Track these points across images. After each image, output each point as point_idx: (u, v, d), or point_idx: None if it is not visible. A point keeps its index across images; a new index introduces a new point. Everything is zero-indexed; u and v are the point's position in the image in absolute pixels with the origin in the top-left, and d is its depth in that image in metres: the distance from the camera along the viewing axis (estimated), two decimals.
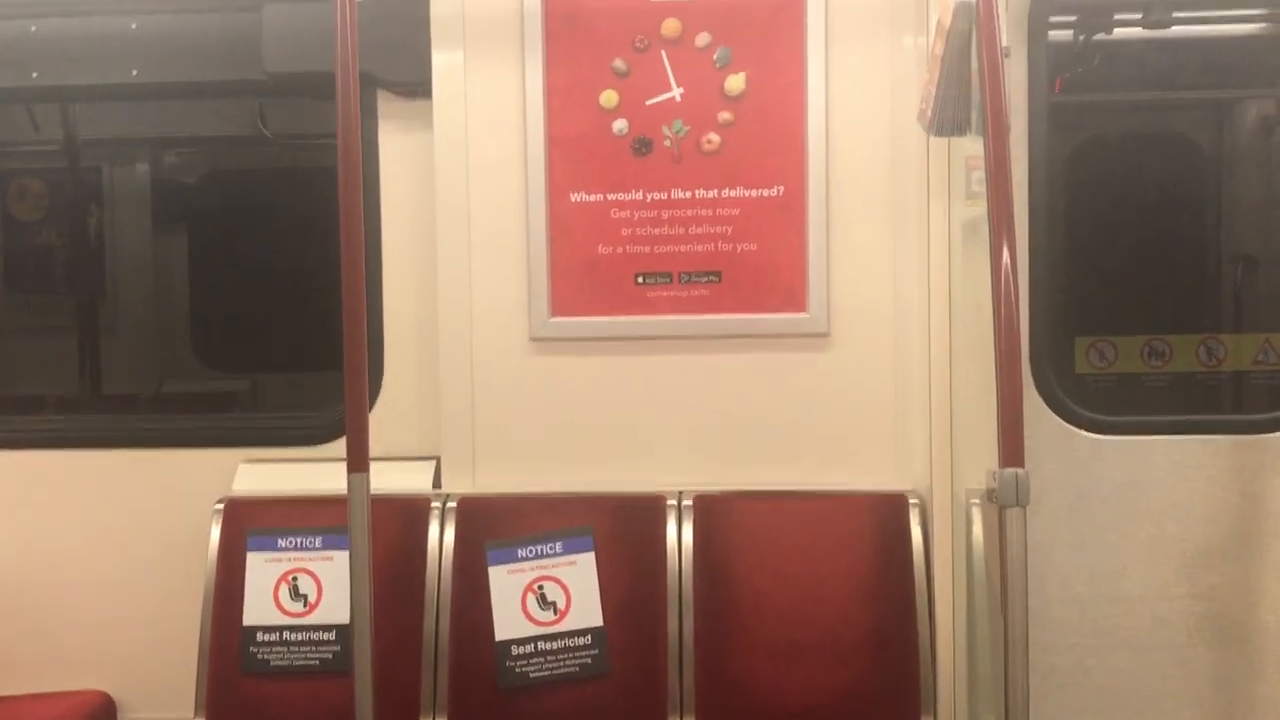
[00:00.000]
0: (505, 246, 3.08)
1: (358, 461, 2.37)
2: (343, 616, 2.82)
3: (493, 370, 3.08)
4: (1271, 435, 3.00)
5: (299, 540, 2.98)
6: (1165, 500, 2.99)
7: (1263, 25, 3.46)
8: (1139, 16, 3.49)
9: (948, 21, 2.50)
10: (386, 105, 3.14)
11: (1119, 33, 3.55)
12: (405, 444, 3.17)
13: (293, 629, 2.95)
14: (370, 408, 3.10)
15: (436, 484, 3.11)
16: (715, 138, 3.02)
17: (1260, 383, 3.26)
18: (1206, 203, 3.52)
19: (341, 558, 2.90)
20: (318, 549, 2.98)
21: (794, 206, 3.01)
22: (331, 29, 2.35)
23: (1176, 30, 3.51)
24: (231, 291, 4.49)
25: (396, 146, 3.15)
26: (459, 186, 3.06)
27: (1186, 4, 3.46)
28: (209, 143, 4.44)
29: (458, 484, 3.09)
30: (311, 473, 3.14)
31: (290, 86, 3.20)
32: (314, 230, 3.29)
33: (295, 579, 2.97)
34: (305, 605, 2.96)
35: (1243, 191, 3.47)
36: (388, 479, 2.92)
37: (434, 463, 3.14)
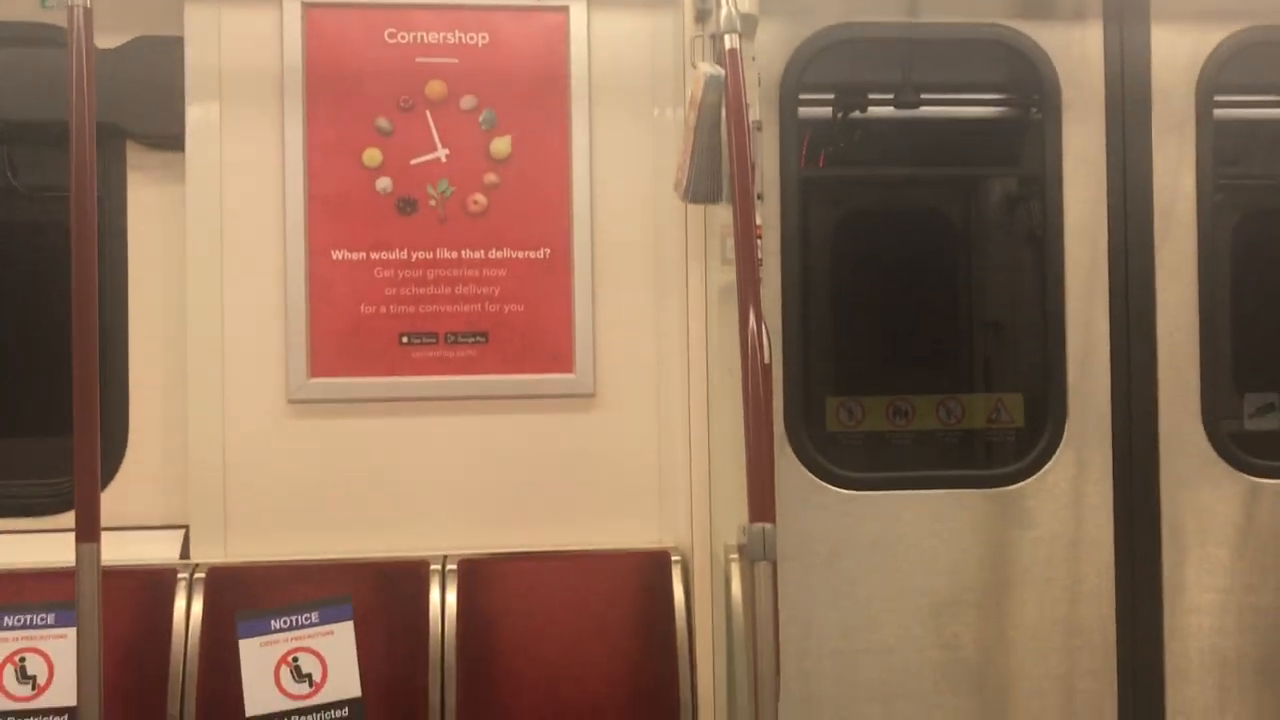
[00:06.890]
0: (262, 305, 2.97)
1: (88, 531, 2.23)
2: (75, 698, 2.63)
3: (247, 433, 2.96)
4: (1010, 488, 3.21)
5: (27, 617, 2.76)
6: (912, 553, 3.14)
7: (1003, 109, 3.73)
8: (890, 97, 3.71)
9: (699, 94, 2.59)
10: (136, 157, 3.01)
11: (873, 111, 3.75)
12: (152, 512, 2.99)
13: (18, 714, 2.72)
14: (114, 473, 2.96)
15: (185, 554, 2.95)
16: (481, 199, 3.02)
17: (996, 440, 3.46)
18: (953, 272, 3.73)
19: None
20: (50, 625, 2.75)
21: (560, 269, 3.04)
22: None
23: (926, 111, 3.74)
24: None
25: (146, 199, 3.02)
26: (212, 243, 2.95)
27: (934, 87, 3.70)
28: None
29: (208, 553, 2.94)
30: (47, 544, 2.93)
31: (28, 136, 3.03)
32: (60, 287, 3.10)
33: (23, 659, 2.75)
34: (34, 688, 2.74)
35: (985, 262, 3.70)
36: (130, 549, 2.77)
37: (182, 531, 2.98)
